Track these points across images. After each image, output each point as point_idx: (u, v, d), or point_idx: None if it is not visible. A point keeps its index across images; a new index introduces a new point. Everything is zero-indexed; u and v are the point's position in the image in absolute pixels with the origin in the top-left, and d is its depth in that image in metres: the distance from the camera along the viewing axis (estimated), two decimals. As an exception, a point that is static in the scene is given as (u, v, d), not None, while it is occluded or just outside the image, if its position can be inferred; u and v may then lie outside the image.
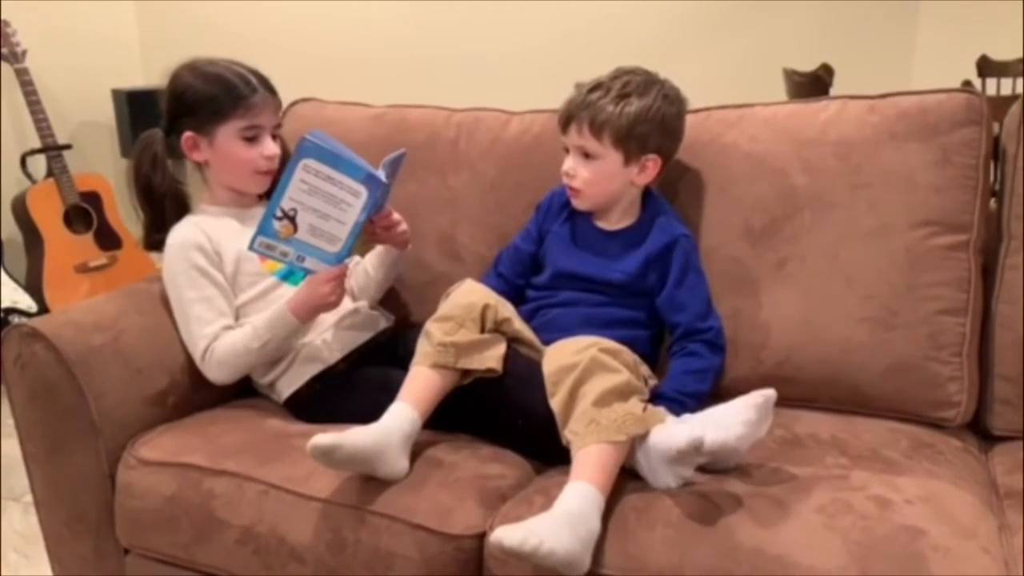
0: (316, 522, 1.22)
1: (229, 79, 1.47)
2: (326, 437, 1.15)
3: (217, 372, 1.46)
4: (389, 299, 1.67)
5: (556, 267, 1.48)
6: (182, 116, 1.49)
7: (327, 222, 1.35)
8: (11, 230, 2.90)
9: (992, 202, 1.43)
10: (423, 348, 1.30)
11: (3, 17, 2.81)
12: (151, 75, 3.33)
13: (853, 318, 1.39)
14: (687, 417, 1.22)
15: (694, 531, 1.08)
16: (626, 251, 1.44)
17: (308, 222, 1.34)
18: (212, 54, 1.53)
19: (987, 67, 3.07)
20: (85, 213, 2.90)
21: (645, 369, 1.36)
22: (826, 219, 1.42)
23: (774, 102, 1.54)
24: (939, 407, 1.37)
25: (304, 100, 1.85)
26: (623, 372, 1.20)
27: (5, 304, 2.71)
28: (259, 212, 1.41)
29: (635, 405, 1.18)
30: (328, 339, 1.49)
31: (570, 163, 1.43)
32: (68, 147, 2.90)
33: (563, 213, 1.51)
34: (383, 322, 1.59)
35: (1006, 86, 3.08)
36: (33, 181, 2.87)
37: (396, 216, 1.50)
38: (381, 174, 1.37)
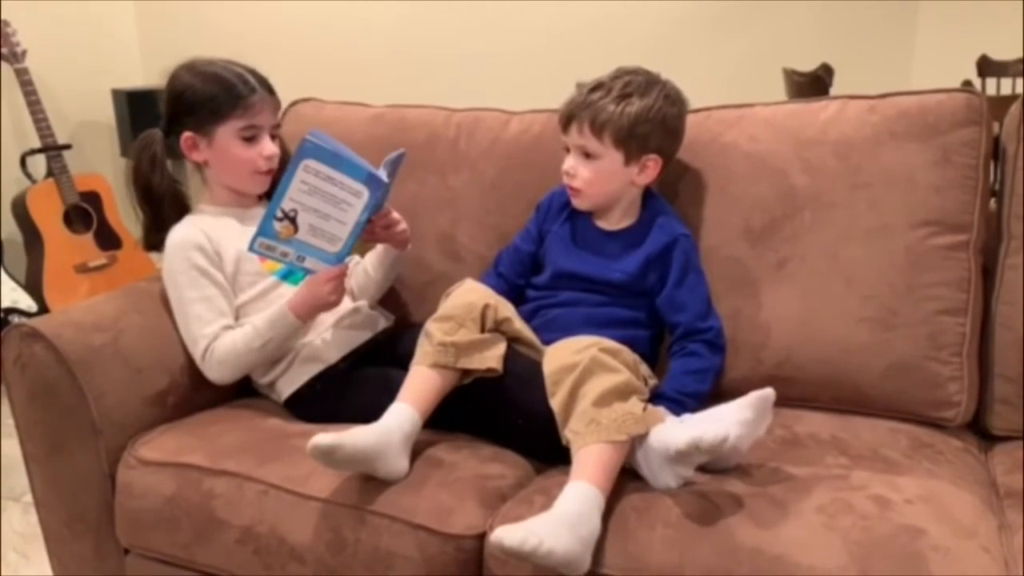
0: (316, 522, 1.22)
1: (228, 79, 1.47)
2: (326, 437, 1.15)
3: (217, 372, 1.46)
4: (389, 299, 1.67)
5: (556, 267, 1.48)
6: (181, 116, 1.49)
7: (327, 222, 1.35)
8: (11, 230, 2.90)
9: (992, 202, 1.43)
10: (423, 348, 1.30)
11: (3, 17, 2.81)
12: (151, 75, 3.33)
13: (853, 318, 1.39)
14: (687, 417, 1.23)
15: (694, 531, 1.08)
16: (626, 251, 1.44)
17: (308, 222, 1.34)
18: (212, 54, 1.53)
19: (987, 67, 3.07)
20: (85, 213, 2.90)
21: (645, 369, 1.36)
22: (826, 219, 1.42)
23: (774, 102, 1.54)
24: (939, 407, 1.37)
25: (304, 100, 1.85)
26: (623, 372, 1.20)
27: (5, 304, 2.71)
28: (259, 212, 1.41)
29: (635, 405, 1.18)
30: (328, 339, 1.49)
31: (570, 163, 1.43)
32: (68, 147, 2.90)
33: (563, 213, 1.51)
34: (383, 322, 1.59)
35: (1006, 86, 3.08)
36: (33, 181, 2.87)
37: (396, 216, 1.50)
38: (382, 174, 1.37)
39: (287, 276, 1.51)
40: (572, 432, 1.17)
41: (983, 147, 1.37)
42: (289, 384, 1.47)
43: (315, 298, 1.41)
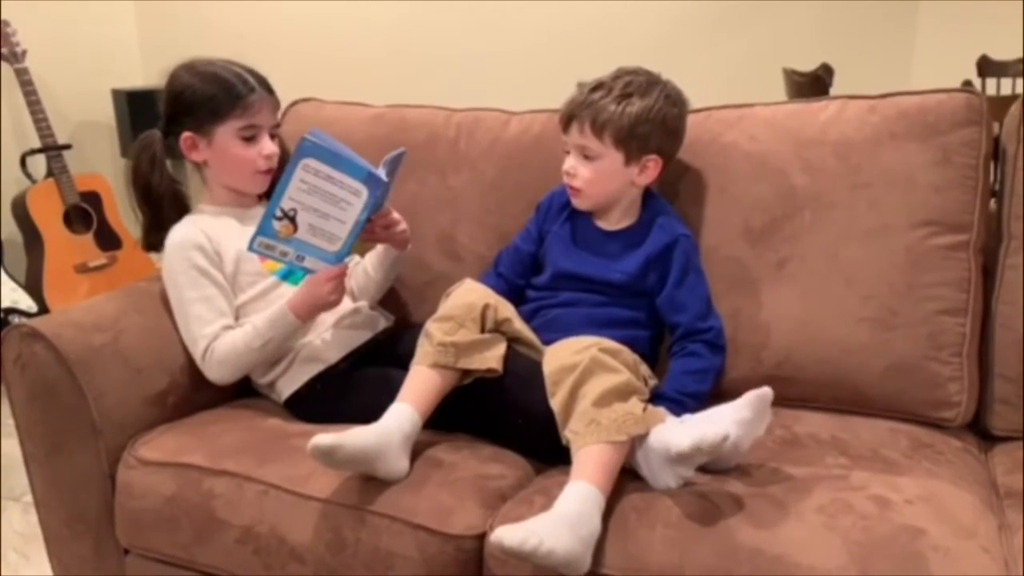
0: (316, 522, 1.22)
1: (227, 79, 1.47)
2: (326, 437, 1.15)
3: (217, 372, 1.46)
4: (389, 299, 1.67)
5: (556, 267, 1.48)
6: (180, 116, 1.49)
7: (327, 221, 1.35)
8: (11, 230, 2.90)
9: (992, 202, 1.43)
10: (423, 348, 1.30)
11: (3, 17, 2.81)
12: (151, 75, 3.33)
13: (853, 318, 1.39)
14: (687, 417, 1.23)
15: (694, 531, 1.08)
16: (626, 251, 1.44)
17: (308, 222, 1.34)
18: (212, 54, 1.53)
19: (987, 67, 3.07)
20: (85, 213, 2.90)
21: (645, 369, 1.36)
22: (826, 219, 1.42)
23: (774, 102, 1.54)
24: (939, 407, 1.37)
25: (304, 100, 1.85)
26: (623, 372, 1.20)
27: (5, 304, 2.71)
28: (259, 212, 1.41)
29: (635, 405, 1.18)
30: (328, 339, 1.49)
31: (571, 162, 1.43)
32: (68, 147, 2.90)
33: (563, 213, 1.51)
34: (383, 322, 1.59)
35: (1006, 86, 3.08)
36: (33, 181, 2.87)
37: (395, 215, 1.50)
38: (382, 173, 1.37)
39: (287, 276, 1.51)
40: (572, 432, 1.17)
41: (983, 147, 1.37)
42: (289, 384, 1.46)
43: (315, 298, 1.41)
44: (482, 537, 1.16)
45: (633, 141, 1.38)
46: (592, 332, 1.28)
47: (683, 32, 3.21)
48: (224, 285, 1.48)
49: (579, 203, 1.47)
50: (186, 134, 1.49)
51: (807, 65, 2.88)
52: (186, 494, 1.31)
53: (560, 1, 3.19)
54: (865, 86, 1.53)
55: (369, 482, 1.22)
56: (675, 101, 1.41)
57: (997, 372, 1.38)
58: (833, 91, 2.77)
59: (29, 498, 1.53)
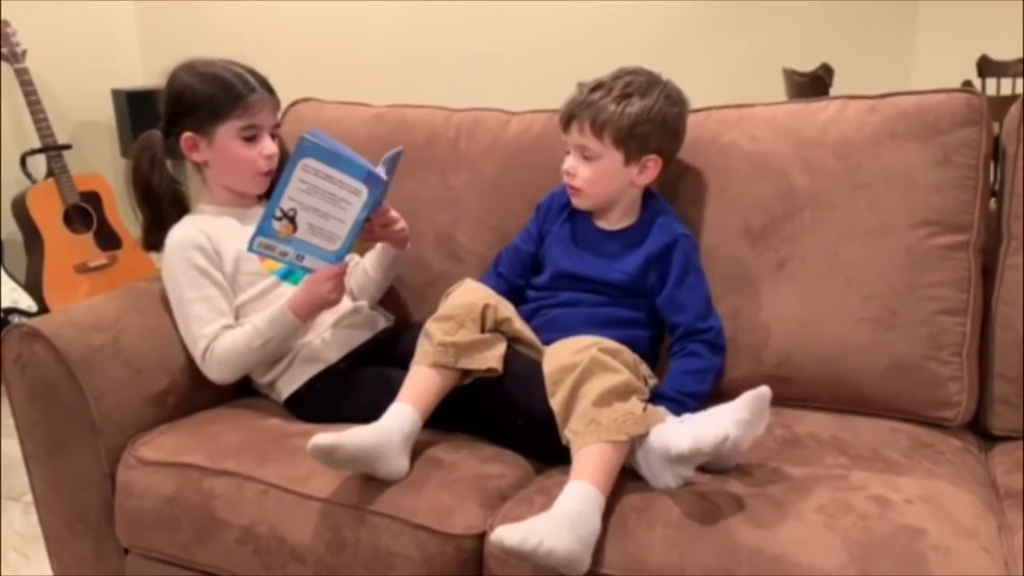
0: (316, 522, 1.22)
1: (227, 79, 1.47)
2: (326, 437, 1.15)
3: (217, 372, 1.46)
4: (389, 299, 1.67)
5: (556, 267, 1.48)
6: (181, 116, 1.49)
7: (327, 221, 1.35)
8: (11, 230, 2.90)
9: (992, 202, 1.43)
10: (423, 348, 1.30)
11: (3, 17, 2.81)
12: (151, 75, 3.33)
13: (853, 318, 1.39)
14: (687, 417, 1.23)
15: (694, 531, 1.08)
16: (626, 251, 1.44)
17: (307, 221, 1.34)
18: (212, 54, 1.53)
19: (987, 67, 3.07)
20: (85, 213, 2.90)
21: (645, 369, 1.36)
22: (826, 219, 1.42)
23: (774, 102, 1.54)
24: (939, 407, 1.37)
25: (304, 100, 1.85)
26: (623, 372, 1.20)
27: (5, 304, 2.71)
28: (259, 212, 1.41)
29: (635, 405, 1.18)
30: (328, 339, 1.49)
31: (571, 162, 1.43)
32: (68, 147, 2.90)
33: (563, 213, 1.51)
34: (383, 322, 1.59)
35: (1006, 86, 3.08)
36: (33, 181, 2.87)
37: (394, 214, 1.50)
38: (381, 171, 1.37)
39: (287, 276, 1.51)
40: (572, 432, 1.17)
41: (983, 147, 1.37)
42: (289, 384, 1.46)
43: (315, 297, 1.41)
44: (482, 537, 1.16)
45: (633, 141, 1.38)
46: (592, 332, 1.28)
47: (683, 32, 3.21)
48: (224, 285, 1.48)
49: (579, 203, 1.47)
50: (187, 134, 1.49)
51: (807, 65, 2.88)
52: (186, 494, 1.31)
53: (560, 1, 3.19)
54: (865, 86, 1.53)
55: (369, 482, 1.22)
56: (675, 101, 1.41)
57: (997, 372, 1.38)
58: (833, 91, 2.77)
59: (29, 498, 1.53)
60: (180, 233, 1.49)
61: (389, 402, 1.25)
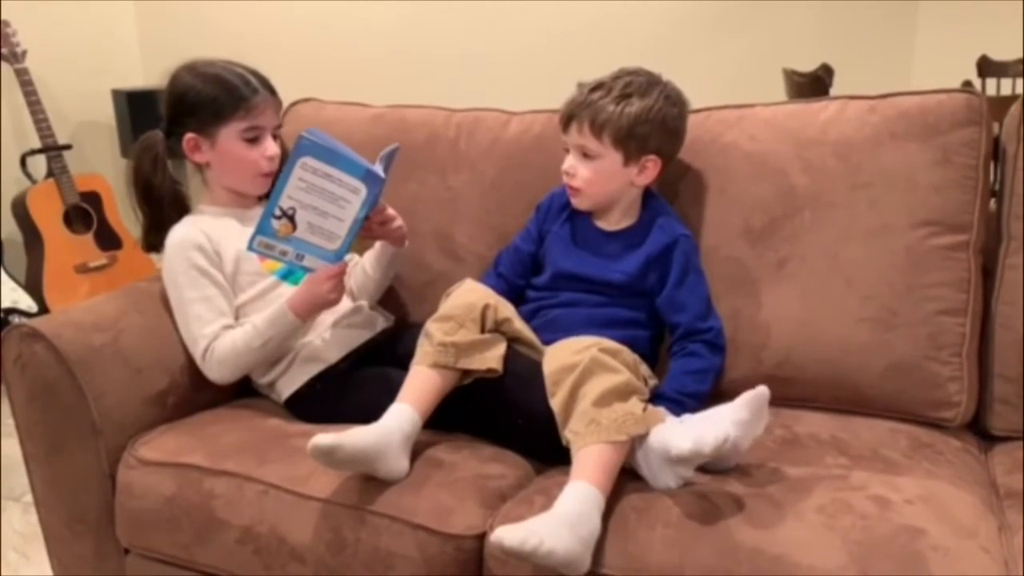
0: (316, 522, 1.22)
1: (230, 80, 1.47)
2: (326, 437, 1.15)
3: (218, 372, 1.46)
4: (388, 299, 1.67)
5: (556, 267, 1.48)
6: (183, 118, 1.49)
7: (326, 220, 1.35)
8: (11, 230, 2.90)
9: (992, 202, 1.43)
10: (423, 348, 1.30)
11: (3, 17, 2.81)
12: (151, 75, 3.33)
13: (853, 318, 1.39)
14: (687, 417, 1.23)
15: (694, 531, 1.08)
16: (626, 251, 1.44)
17: (307, 220, 1.34)
18: (212, 54, 1.52)
19: (987, 67, 3.07)
20: (85, 213, 2.90)
21: (645, 369, 1.36)
22: (826, 219, 1.42)
23: (774, 102, 1.54)
24: (939, 407, 1.37)
25: (304, 100, 1.85)
26: (623, 372, 1.20)
27: (5, 304, 2.71)
28: (259, 212, 1.41)
29: (635, 405, 1.18)
30: (328, 339, 1.49)
31: (570, 162, 1.43)
32: (68, 147, 2.90)
33: (563, 214, 1.51)
34: (382, 322, 1.59)
35: (1006, 86, 3.08)
36: (33, 181, 2.87)
37: (391, 212, 1.50)
38: (379, 169, 1.37)
39: (287, 276, 1.51)
40: (572, 432, 1.17)
41: (983, 147, 1.37)
42: (289, 384, 1.46)
43: (315, 296, 1.41)
44: (482, 537, 1.16)
45: (632, 141, 1.38)
46: (592, 332, 1.28)
47: (683, 32, 3.21)
48: (224, 285, 1.48)
49: (578, 203, 1.47)
50: (189, 135, 1.49)
51: (807, 65, 2.88)
52: (186, 494, 1.31)
53: (560, 1, 3.19)
54: (865, 86, 1.53)
55: (369, 482, 1.22)
56: (675, 101, 1.41)
57: (997, 372, 1.38)
58: (833, 91, 2.77)
59: (29, 498, 1.53)
60: (180, 233, 1.49)
61: (389, 402, 1.25)
